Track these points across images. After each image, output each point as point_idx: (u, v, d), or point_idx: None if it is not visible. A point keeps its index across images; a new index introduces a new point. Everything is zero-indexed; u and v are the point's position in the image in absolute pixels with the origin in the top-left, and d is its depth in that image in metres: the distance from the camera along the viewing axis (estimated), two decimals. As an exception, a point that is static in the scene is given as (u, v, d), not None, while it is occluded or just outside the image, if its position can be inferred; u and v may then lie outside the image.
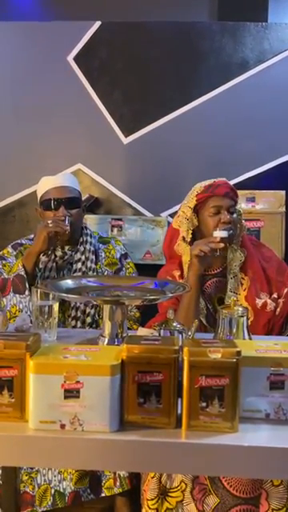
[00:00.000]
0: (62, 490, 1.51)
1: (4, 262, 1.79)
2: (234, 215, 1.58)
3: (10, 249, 1.84)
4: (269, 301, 1.55)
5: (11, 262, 1.77)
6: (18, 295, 1.65)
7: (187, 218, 1.61)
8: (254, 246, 1.68)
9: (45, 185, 1.81)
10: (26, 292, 1.63)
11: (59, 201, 1.75)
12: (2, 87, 2.44)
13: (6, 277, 1.71)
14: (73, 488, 1.50)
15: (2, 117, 2.45)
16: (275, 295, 1.58)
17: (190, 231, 1.61)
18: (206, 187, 1.59)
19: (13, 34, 2.43)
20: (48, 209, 1.76)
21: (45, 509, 1.50)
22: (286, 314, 1.58)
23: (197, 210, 1.61)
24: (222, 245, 1.48)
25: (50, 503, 1.50)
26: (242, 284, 1.58)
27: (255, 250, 1.65)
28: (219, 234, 1.49)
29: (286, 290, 1.59)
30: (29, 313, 1.59)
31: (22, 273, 1.66)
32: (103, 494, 1.53)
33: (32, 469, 1.52)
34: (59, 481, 1.52)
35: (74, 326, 1.75)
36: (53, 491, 1.51)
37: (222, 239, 1.49)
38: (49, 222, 1.63)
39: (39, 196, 1.83)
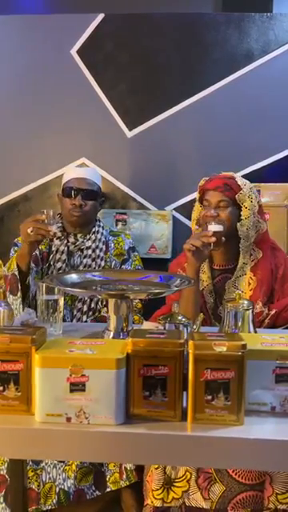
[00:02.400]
0: (66, 489, 1.51)
1: (16, 248, 1.85)
2: (227, 210, 1.53)
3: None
4: (264, 309, 1.54)
5: None
6: (11, 296, 1.66)
7: (194, 210, 1.65)
8: (273, 248, 1.63)
9: (68, 174, 1.94)
10: (18, 294, 1.63)
11: (78, 191, 1.86)
12: (5, 81, 2.44)
13: (6, 273, 1.72)
14: (77, 486, 1.51)
15: (5, 111, 2.44)
16: (267, 307, 1.56)
17: (195, 222, 1.62)
18: (205, 180, 1.62)
19: (15, 27, 2.42)
20: (67, 196, 1.87)
21: (49, 507, 1.50)
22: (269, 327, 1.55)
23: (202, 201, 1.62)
24: (213, 239, 1.45)
25: (54, 501, 1.50)
26: (249, 284, 1.57)
27: (272, 253, 1.61)
28: (212, 227, 1.47)
29: (273, 311, 1.54)
30: (18, 316, 1.58)
31: (16, 273, 1.67)
32: (109, 489, 1.53)
33: (37, 465, 1.53)
34: (63, 479, 1.52)
35: (80, 309, 1.79)
36: (57, 489, 1.51)
37: (216, 233, 1.47)
38: (29, 230, 1.52)
39: (62, 183, 1.95)
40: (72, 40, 2.39)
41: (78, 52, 2.40)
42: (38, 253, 1.78)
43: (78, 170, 1.96)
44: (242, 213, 1.55)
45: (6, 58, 2.43)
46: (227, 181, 1.57)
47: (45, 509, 1.51)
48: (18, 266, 1.67)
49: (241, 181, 1.59)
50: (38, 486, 1.51)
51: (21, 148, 2.44)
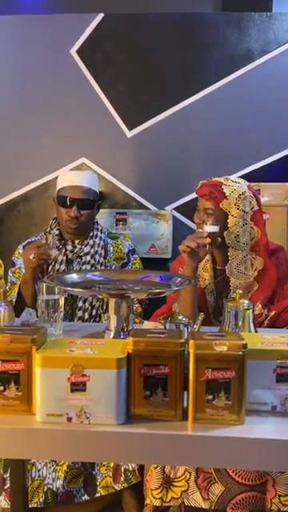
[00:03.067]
0: (54, 489, 1.49)
1: (13, 268, 1.82)
2: (211, 218, 1.52)
3: (20, 250, 1.86)
4: (263, 311, 1.54)
5: (21, 265, 1.78)
6: None
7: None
8: (273, 250, 1.61)
9: (63, 180, 1.86)
10: None
11: (73, 200, 1.79)
12: (5, 82, 2.43)
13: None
14: (66, 488, 1.49)
15: (4, 111, 2.44)
16: (267, 308, 1.55)
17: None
18: (200, 185, 1.62)
19: (15, 27, 2.42)
20: (62, 205, 1.81)
21: (35, 505, 1.48)
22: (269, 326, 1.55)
23: None
24: (207, 240, 1.46)
25: (41, 500, 1.48)
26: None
27: (274, 256, 1.60)
28: (207, 228, 1.49)
29: (273, 313, 1.54)
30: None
31: (14, 300, 1.67)
32: (98, 494, 1.51)
33: (28, 460, 1.50)
34: (53, 479, 1.50)
35: (81, 317, 1.77)
36: (45, 488, 1.49)
37: (210, 234, 1.48)
38: (31, 257, 1.58)
39: (57, 188, 1.88)
40: (72, 40, 2.39)
41: (78, 52, 2.40)
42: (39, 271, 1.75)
43: (73, 177, 1.86)
44: (228, 221, 1.54)
45: (6, 57, 2.43)
46: (213, 189, 1.56)
47: (30, 506, 1.47)
48: (19, 293, 1.66)
49: (229, 188, 1.54)
50: (27, 481, 1.49)
51: (20, 148, 2.44)
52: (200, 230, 1.54)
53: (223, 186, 1.55)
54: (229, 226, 1.54)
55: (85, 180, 1.85)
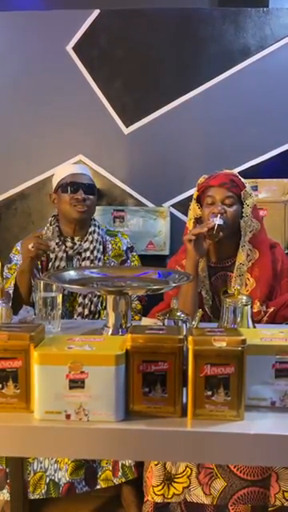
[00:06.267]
0: (56, 480, 1.51)
1: (9, 265, 1.81)
2: (233, 207, 1.54)
3: (18, 246, 1.85)
4: (262, 308, 1.53)
5: (18, 261, 1.78)
6: None
7: (190, 209, 1.63)
8: (272, 247, 1.62)
9: (63, 171, 1.90)
10: None
11: (78, 185, 1.83)
12: (0, 78, 2.42)
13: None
14: (68, 479, 1.50)
15: (1, 109, 2.43)
16: (265, 305, 1.55)
17: (192, 221, 1.61)
18: (205, 178, 1.60)
19: (11, 23, 2.40)
20: (69, 191, 1.82)
21: (38, 496, 1.50)
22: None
23: (200, 200, 1.61)
24: (212, 224, 1.46)
25: (43, 491, 1.50)
26: (246, 284, 1.56)
27: (270, 252, 1.60)
28: (214, 220, 1.49)
29: (272, 309, 1.53)
30: None
31: (11, 291, 1.67)
32: (98, 486, 1.53)
33: None
34: (55, 470, 1.52)
35: (81, 313, 1.77)
36: (47, 480, 1.51)
37: (217, 226, 1.48)
38: (30, 246, 1.59)
39: (56, 181, 1.89)
40: (68, 36, 2.38)
41: (74, 48, 2.39)
42: (36, 267, 1.75)
43: (73, 167, 1.94)
44: (243, 210, 1.56)
45: (1, 54, 2.41)
46: (233, 177, 1.58)
47: (32, 497, 1.49)
48: (16, 285, 1.66)
49: (242, 179, 1.60)
50: (28, 474, 1.51)
51: (17, 145, 2.43)
52: (210, 220, 1.52)
53: (239, 177, 1.59)
54: (243, 215, 1.56)
55: (85, 170, 1.94)
